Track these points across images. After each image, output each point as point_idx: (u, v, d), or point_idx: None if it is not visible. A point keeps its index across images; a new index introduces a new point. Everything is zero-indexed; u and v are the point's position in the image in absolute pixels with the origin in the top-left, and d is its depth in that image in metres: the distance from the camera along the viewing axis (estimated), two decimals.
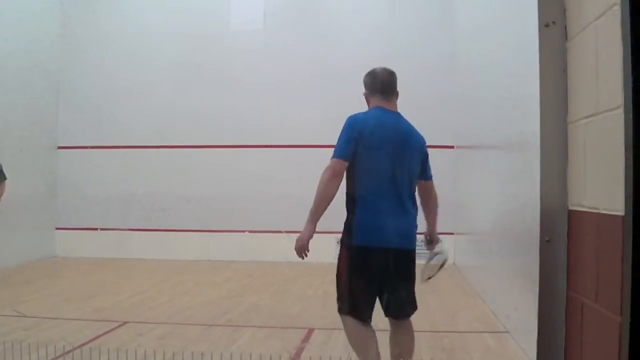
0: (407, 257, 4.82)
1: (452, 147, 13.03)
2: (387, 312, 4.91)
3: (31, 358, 5.60)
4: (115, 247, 14.00)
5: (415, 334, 5.01)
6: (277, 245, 13.24)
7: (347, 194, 4.79)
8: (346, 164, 4.63)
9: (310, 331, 7.34)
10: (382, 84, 4.94)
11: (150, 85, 14.13)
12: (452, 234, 12.03)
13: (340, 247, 4.88)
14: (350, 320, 4.78)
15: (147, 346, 6.01)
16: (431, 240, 5.20)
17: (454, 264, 12.26)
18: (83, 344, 6.45)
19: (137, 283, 11.10)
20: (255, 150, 13.86)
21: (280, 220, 13.33)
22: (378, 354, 4.77)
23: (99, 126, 14.33)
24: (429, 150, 5.03)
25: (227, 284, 11.11)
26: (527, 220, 5.84)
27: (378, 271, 4.73)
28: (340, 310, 4.85)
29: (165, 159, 14.08)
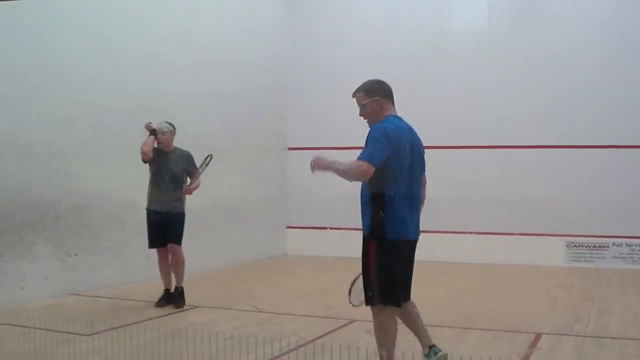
0: (416, 246, 5.55)
1: None
2: (405, 296, 5.49)
3: (265, 351, 5.94)
4: (343, 246, 14.36)
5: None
6: (505, 248, 13.11)
7: (375, 193, 5.29)
8: (373, 170, 5.11)
9: (539, 336, 7.21)
10: (392, 94, 5.53)
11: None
12: None
13: (369, 242, 5.35)
14: (387, 310, 5.27)
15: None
16: None
17: None
18: (312, 340, 6.72)
19: None
20: (469, 152, 13.85)
21: (507, 222, 13.21)
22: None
23: (327, 128, 14.75)
24: None
25: (452, 285, 11.09)
26: None
27: (406, 261, 5.41)
28: (372, 301, 5.27)
29: None
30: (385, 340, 5.26)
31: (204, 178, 9.09)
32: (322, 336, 7.14)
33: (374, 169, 5.11)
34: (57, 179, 9.54)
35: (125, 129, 10.62)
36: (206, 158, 9.07)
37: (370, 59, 14.45)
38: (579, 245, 13.25)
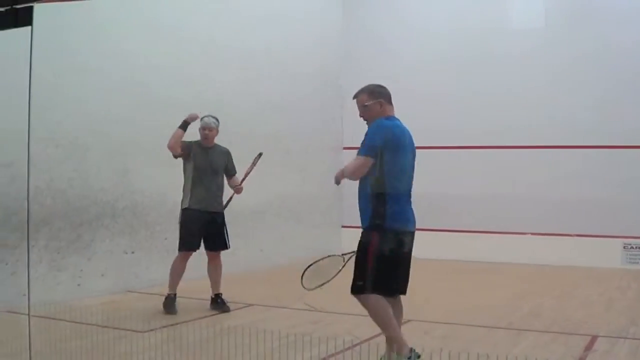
0: (413, 238, 5.88)
1: None
2: (397, 288, 5.77)
3: (319, 350, 5.93)
4: None
5: None
6: (561, 249, 12.91)
7: (377, 187, 5.58)
8: (371, 162, 5.49)
9: (594, 338, 7.08)
10: (391, 97, 5.86)
11: (431, 85, 14.31)
12: None
13: (370, 232, 5.60)
14: (376, 297, 5.47)
15: (429, 345, 6.14)
16: None
17: None
18: (366, 340, 6.68)
19: (419, 282, 11.24)
20: (529, 151, 13.62)
21: (563, 223, 13.01)
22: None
23: None
24: None
25: (507, 286, 10.98)
26: None
27: (402, 250, 5.66)
28: (363, 290, 5.48)
29: (447, 159, 14.19)
30: (387, 322, 5.48)
31: (260, 177, 9.09)
32: (376, 336, 7.10)
33: (371, 161, 5.50)
34: (115, 178, 9.67)
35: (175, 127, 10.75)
36: (257, 156, 8.78)
37: (425, 61, 14.45)
38: (636, 247, 13.00)
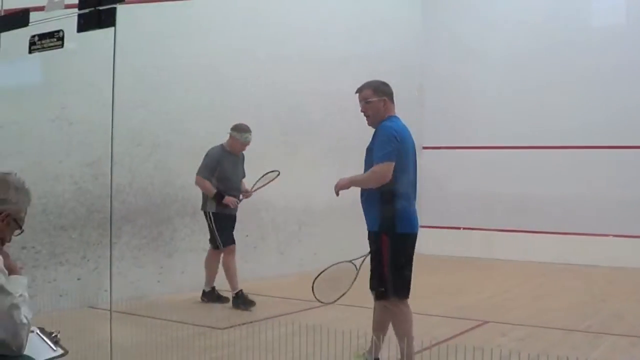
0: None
1: None
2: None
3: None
4: (477, 246, 14.17)
5: None
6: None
7: (383, 190, 5.45)
8: (393, 165, 5.41)
9: None
10: (393, 95, 5.83)
11: (505, 84, 14.12)
12: None
13: (380, 236, 5.50)
14: (404, 303, 5.54)
15: (507, 347, 6.05)
16: None
17: None
18: (444, 340, 6.62)
19: (498, 283, 11.17)
20: (618, 152, 13.29)
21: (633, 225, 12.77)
22: None
23: (462, 127, 14.62)
24: None
25: (587, 289, 10.75)
26: None
27: (412, 252, 5.61)
28: (383, 296, 5.50)
29: (529, 159, 13.98)
30: (408, 330, 5.50)
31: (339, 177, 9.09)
32: (453, 337, 7.05)
33: (393, 165, 5.43)
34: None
35: (260, 127, 10.83)
36: (272, 173, 9.08)
37: (506, 58, 14.20)
38: None
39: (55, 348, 3.53)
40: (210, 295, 8.93)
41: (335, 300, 5.69)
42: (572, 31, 13.67)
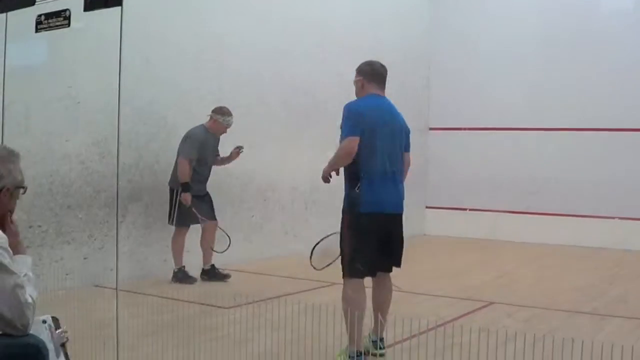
0: (398, 220, 5.74)
1: None
2: (378, 267, 5.62)
3: (403, 330, 5.91)
4: (484, 228, 14.17)
5: None
6: None
7: (350, 169, 5.52)
8: (357, 140, 5.39)
9: None
10: (380, 75, 5.80)
11: (520, 66, 14.06)
12: None
13: (343, 215, 5.60)
14: (352, 282, 5.48)
15: (512, 328, 6.06)
16: None
17: None
18: (450, 321, 6.66)
19: (503, 264, 11.17)
20: (626, 135, 13.22)
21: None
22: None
23: (469, 108, 14.57)
24: None
25: (594, 271, 10.76)
26: None
27: (379, 233, 5.51)
28: (345, 274, 5.53)
29: (535, 141, 13.95)
30: (351, 310, 5.31)
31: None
32: (459, 317, 7.07)
33: (358, 139, 5.40)
34: None
35: (267, 107, 10.86)
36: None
37: (517, 40, 14.12)
38: None
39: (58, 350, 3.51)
40: (178, 275, 8.87)
41: (323, 268, 5.79)
42: (579, 16, 13.60)
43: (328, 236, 5.86)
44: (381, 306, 5.74)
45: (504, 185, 14.16)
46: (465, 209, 14.61)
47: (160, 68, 9.23)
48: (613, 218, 13.21)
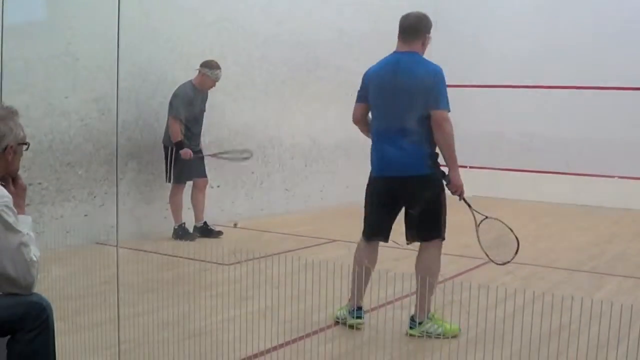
0: (409, 185, 5.34)
1: None
2: (384, 232, 5.67)
3: (403, 286, 5.93)
4: (484, 186, 14.14)
5: None
6: None
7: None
8: (360, 106, 5.51)
9: None
10: (402, 29, 5.42)
11: (519, 24, 13.95)
12: None
13: None
14: (360, 240, 5.69)
15: (512, 285, 6.09)
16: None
17: None
18: (449, 278, 6.66)
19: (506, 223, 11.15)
20: (626, 94, 13.14)
21: None
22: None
23: (470, 65, 14.47)
24: None
25: (593, 230, 10.78)
26: None
27: (381, 196, 5.47)
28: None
29: (535, 99, 13.88)
30: (352, 267, 5.53)
31: (346, 113, 9.06)
32: (459, 274, 7.10)
33: (360, 106, 5.52)
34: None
35: (267, 63, 10.78)
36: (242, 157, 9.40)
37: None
38: None
39: None
40: (178, 232, 8.90)
41: (512, 259, 5.85)
42: None
43: (479, 225, 6.21)
44: (417, 275, 5.52)
45: (505, 143, 14.13)
46: (465, 167, 14.52)
47: (160, 24, 9.16)
48: (613, 177, 13.19)
